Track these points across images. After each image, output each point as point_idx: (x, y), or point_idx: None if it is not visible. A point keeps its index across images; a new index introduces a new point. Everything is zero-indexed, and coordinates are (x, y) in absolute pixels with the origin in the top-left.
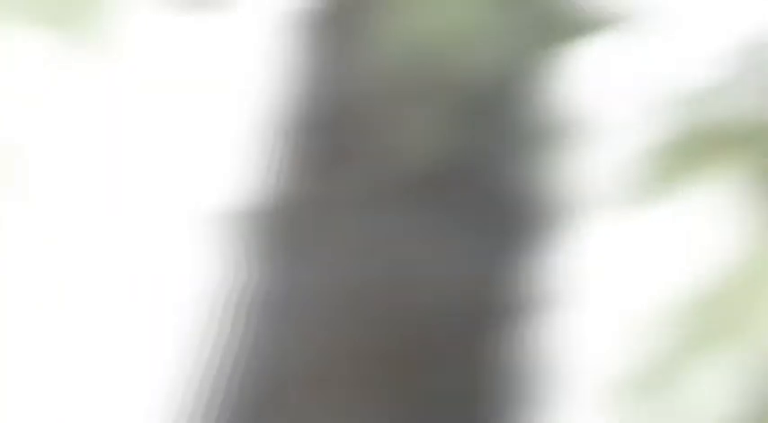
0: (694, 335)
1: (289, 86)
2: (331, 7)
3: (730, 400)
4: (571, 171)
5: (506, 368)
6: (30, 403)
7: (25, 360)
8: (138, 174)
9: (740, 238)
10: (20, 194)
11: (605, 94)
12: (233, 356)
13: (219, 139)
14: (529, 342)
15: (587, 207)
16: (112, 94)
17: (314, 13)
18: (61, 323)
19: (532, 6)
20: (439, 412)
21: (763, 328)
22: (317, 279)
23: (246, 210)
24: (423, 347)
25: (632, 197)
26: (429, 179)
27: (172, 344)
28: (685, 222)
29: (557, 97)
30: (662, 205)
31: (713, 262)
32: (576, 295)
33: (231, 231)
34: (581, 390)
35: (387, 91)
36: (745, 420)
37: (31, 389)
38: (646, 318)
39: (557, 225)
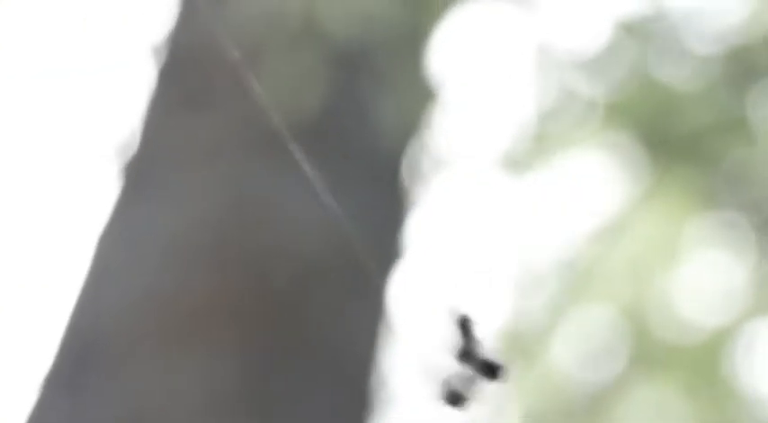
0: (561, 294)
1: (160, 29)
2: None
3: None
4: (444, 130)
5: (362, 322)
6: None
7: None
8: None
9: (612, 200)
10: None
11: (484, 60)
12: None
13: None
14: (384, 297)
15: (456, 166)
16: None
17: None
18: None
19: None
20: (291, 360)
21: (618, 288)
22: (175, 221)
23: (113, 149)
24: (278, 295)
25: (509, 160)
26: (296, 128)
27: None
28: (560, 185)
29: (434, 58)
30: (539, 169)
31: (584, 223)
32: (437, 252)
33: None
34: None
35: (258, 38)
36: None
37: None
38: (514, 278)
39: (424, 182)
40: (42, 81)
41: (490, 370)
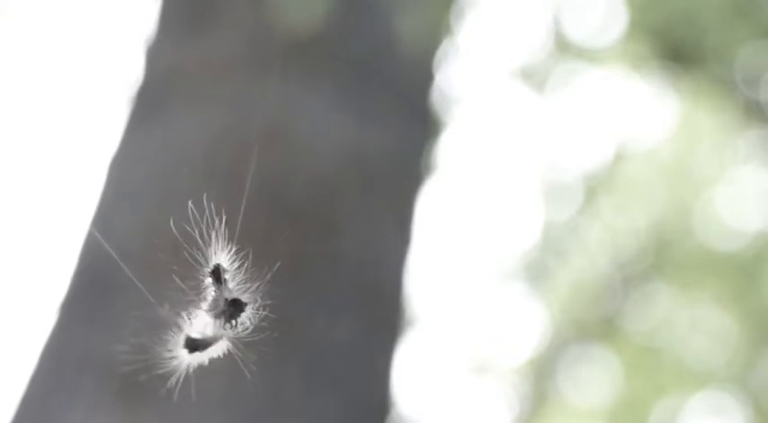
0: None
1: None
2: None
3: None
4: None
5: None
6: None
7: None
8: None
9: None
10: None
11: None
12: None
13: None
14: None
15: (479, 79)
16: None
17: None
18: None
19: None
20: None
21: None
22: (188, 144)
23: (124, 74)
24: (294, 216)
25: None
26: (302, 47)
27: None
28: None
29: None
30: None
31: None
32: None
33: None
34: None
35: None
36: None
37: None
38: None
39: (448, 97)
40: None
41: (236, 307)
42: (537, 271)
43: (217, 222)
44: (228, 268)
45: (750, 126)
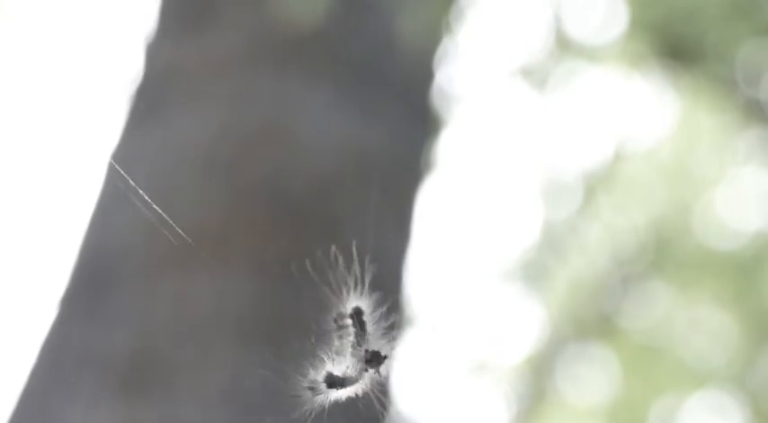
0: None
1: None
2: None
3: None
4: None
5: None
6: None
7: None
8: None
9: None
10: None
11: None
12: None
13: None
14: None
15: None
16: None
17: None
18: None
19: None
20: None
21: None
22: (189, 140)
23: (125, 71)
24: (294, 212)
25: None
26: (302, 45)
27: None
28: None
29: None
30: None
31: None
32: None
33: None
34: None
35: None
36: None
37: None
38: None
39: (447, 94)
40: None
41: (376, 359)
42: (536, 270)
43: (356, 266)
44: (366, 312)
45: (750, 126)
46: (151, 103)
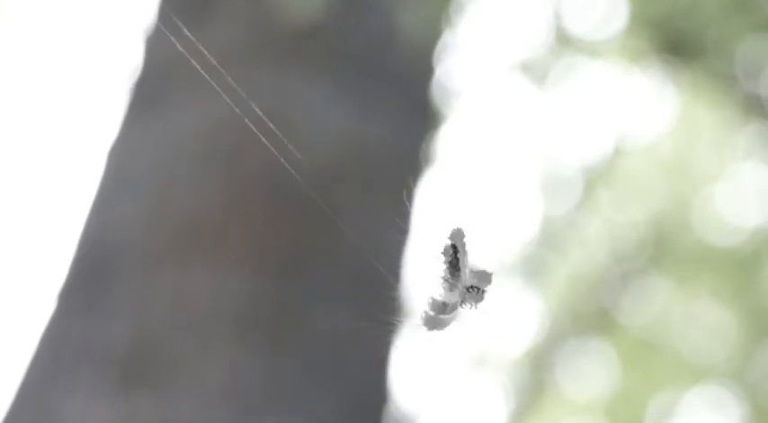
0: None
1: None
2: None
3: None
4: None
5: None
6: None
7: None
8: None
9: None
10: None
11: None
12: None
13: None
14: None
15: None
16: None
17: None
18: None
19: None
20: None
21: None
22: (187, 133)
23: (123, 64)
24: (293, 205)
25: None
26: (302, 39)
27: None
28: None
29: None
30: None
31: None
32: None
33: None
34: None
35: None
36: None
37: None
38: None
39: (447, 88)
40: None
41: (476, 293)
42: (535, 264)
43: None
44: (461, 250)
45: (750, 121)
46: (150, 95)
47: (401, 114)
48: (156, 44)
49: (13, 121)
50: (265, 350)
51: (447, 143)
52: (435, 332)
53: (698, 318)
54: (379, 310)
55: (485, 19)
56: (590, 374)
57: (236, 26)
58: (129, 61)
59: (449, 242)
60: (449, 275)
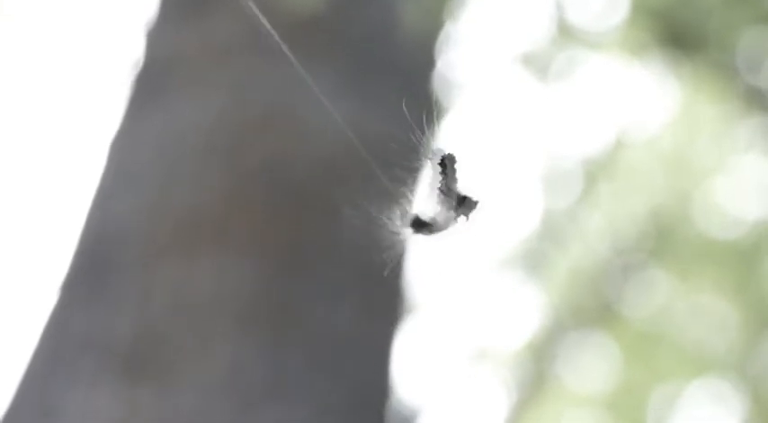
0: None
1: None
2: None
3: None
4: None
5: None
6: None
7: None
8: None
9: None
10: None
11: None
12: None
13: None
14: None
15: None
16: None
17: None
18: None
19: None
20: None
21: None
22: (188, 126)
23: (126, 56)
24: (293, 198)
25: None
26: (304, 28)
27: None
28: (587, 86)
29: None
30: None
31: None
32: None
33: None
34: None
35: None
36: None
37: None
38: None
39: (447, 80)
40: None
41: (465, 203)
42: (536, 257)
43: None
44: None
45: (751, 114)
46: (152, 88)
47: (402, 106)
48: (156, 38)
49: (14, 116)
50: (266, 344)
51: (449, 135)
52: (431, 237)
53: (699, 310)
54: (379, 306)
55: (486, 11)
56: (591, 367)
57: (237, 19)
58: (131, 55)
59: (443, 154)
60: (443, 184)
